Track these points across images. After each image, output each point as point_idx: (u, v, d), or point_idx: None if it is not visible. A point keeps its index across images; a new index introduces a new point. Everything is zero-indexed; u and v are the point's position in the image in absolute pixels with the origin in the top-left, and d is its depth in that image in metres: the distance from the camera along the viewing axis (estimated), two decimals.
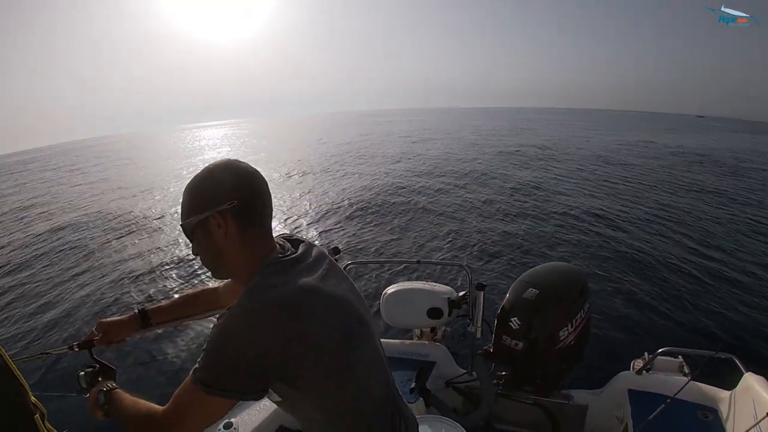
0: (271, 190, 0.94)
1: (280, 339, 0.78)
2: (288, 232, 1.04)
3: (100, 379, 1.14)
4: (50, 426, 0.81)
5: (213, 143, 50.44)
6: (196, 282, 6.87)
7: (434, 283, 2.40)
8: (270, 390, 0.86)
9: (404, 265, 6.30)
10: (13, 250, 9.70)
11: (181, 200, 0.91)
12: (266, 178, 0.94)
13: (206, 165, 0.91)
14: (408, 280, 2.56)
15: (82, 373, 1.14)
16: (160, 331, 4.58)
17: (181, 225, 0.91)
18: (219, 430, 1.65)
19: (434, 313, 2.23)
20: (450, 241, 7.78)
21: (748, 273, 5.93)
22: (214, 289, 1.29)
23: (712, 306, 5.00)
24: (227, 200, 0.85)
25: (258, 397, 0.82)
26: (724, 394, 1.79)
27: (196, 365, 0.79)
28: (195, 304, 1.31)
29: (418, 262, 4.06)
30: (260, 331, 0.77)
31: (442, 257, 6.98)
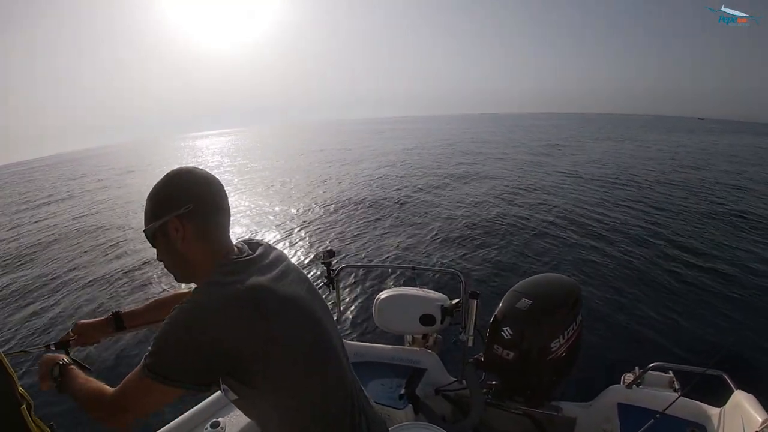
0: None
1: (246, 338, 0.80)
2: (249, 237, 1.07)
3: None
4: (37, 418, 0.80)
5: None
6: (172, 285, 6.87)
7: (428, 290, 2.40)
8: (226, 387, 0.88)
9: (398, 270, 6.29)
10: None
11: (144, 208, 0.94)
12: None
13: (166, 173, 0.94)
14: (402, 286, 2.56)
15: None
16: (133, 334, 4.61)
17: (143, 231, 0.94)
18: (206, 429, 1.63)
19: (427, 319, 2.22)
20: (445, 248, 7.80)
21: (740, 290, 5.96)
22: (185, 294, 1.32)
23: (704, 322, 5.02)
24: (183, 205, 0.88)
25: (202, 390, 0.83)
26: (713, 411, 1.79)
27: (147, 353, 0.81)
28: (166, 309, 1.33)
29: (413, 268, 4.05)
30: (221, 330, 0.79)
31: (436, 264, 6.98)
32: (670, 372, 2.05)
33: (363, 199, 12.22)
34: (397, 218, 9.96)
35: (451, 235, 8.49)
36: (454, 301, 2.27)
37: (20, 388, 0.79)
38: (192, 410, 1.69)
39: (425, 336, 2.51)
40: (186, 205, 0.88)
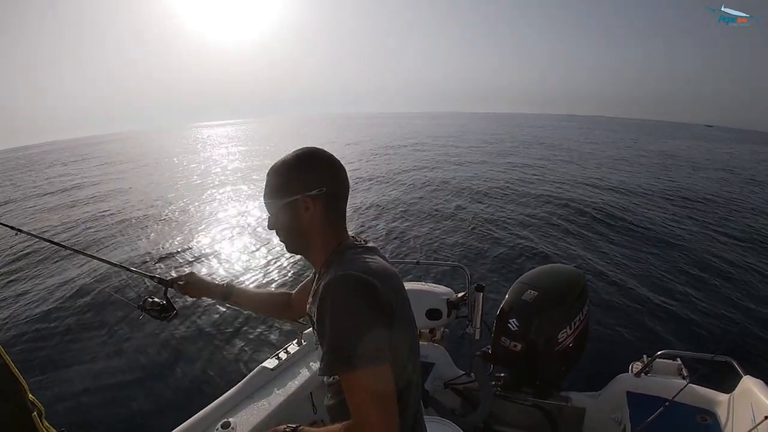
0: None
1: (377, 308, 0.83)
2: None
3: (162, 314, 1.40)
4: (48, 424, 0.81)
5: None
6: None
7: (433, 284, 2.40)
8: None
9: (403, 265, 6.29)
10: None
11: (266, 180, 0.98)
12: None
13: (295, 150, 0.98)
14: (407, 281, 2.56)
15: (150, 299, 1.41)
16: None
17: (267, 202, 0.99)
18: (217, 429, 1.64)
19: (433, 314, 2.23)
20: (449, 242, 7.78)
21: (747, 276, 5.94)
22: (288, 297, 1.38)
23: (711, 309, 5.00)
24: (318, 186, 0.92)
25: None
26: (722, 397, 1.79)
27: (339, 351, 0.79)
28: (269, 305, 1.44)
29: (418, 262, 4.04)
30: (379, 295, 0.83)
31: (441, 258, 6.97)
32: (678, 359, 2.05)
33: (365, 195, 12.21)
34: (399, 212, 9.93)
35: (456, 229, 8.48)
36: (460, 295, 2.27)
37: (30, 396, 0.79)
38: (202, 411, 1.69)
39: (432, 330, 2.51)
40: (320, 187, 0.92)
